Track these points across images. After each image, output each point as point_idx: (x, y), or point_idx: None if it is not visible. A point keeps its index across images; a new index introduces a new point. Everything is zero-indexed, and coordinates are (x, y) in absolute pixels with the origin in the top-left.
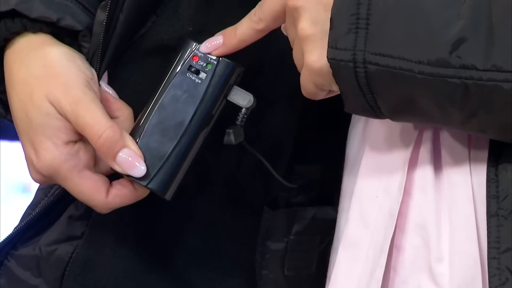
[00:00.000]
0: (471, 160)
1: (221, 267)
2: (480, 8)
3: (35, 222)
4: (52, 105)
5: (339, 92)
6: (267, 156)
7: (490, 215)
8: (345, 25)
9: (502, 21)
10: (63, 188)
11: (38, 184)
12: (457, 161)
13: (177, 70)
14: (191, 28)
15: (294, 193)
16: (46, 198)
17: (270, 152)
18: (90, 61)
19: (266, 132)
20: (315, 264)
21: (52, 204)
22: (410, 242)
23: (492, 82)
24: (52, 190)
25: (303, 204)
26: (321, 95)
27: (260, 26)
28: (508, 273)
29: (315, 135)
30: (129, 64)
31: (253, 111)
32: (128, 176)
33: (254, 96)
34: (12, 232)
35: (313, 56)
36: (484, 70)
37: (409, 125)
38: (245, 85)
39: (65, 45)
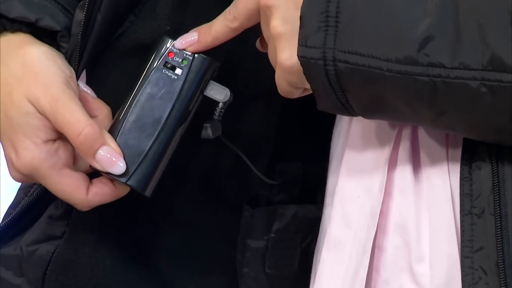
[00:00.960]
0: (449, 159)
1: (201, 265)
2: (447, 6)
3: (15, 222)
4: (32, 104)
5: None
6: (247, 154)
7: (463, 213)
8: (315, 23)
9: (469, 18)
10: (43, 188)
11: None
12: (435, 160)
13: (153, 67)
14: (169, 27)
15: (275, 191)
16: (26, 198)
17: (250, 149)
18: (69, 60)
19: (246, 130)
20: (297, 262)
21: (32, 204)
22: (391, 243)
23: (460, 80)
24: (32, 190)
25: (284, 202)
26: (296, 94)
27: (235, 24)
28: (481, 272)
29: (296, 132)
30: (107, 64)
31: (233, 109)
32: (108, 173)
33: (233, 92)
34: None
35: (284, 54)
36: (452, 68)
37: (388, 124)
38: (224, 83)
39: (45, 44)
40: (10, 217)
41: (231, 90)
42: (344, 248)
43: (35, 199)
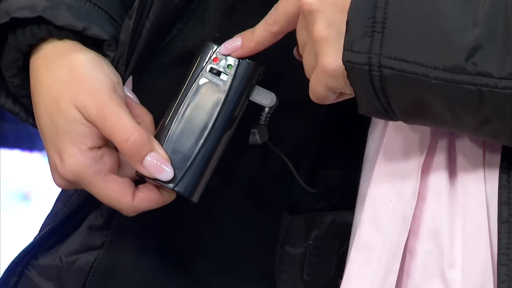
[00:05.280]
0: (485, 166)
1: (242, 273)
2: (497, 16)
3: (54, 232)
4: (79, 110)
5: (349, 96)
6: (290, 161)
7: (501, 221)
8: (361, 28)
9: None
10: (82, 197)
11: (39, 193)
12: (471, 166)
13: (199, 72)
14: (217, 34)
15: (317, 198)
16: (65, 208)
17: (293, 157)
18: (115, 66)
19: (289, 137)
20: (334, 268)
21: (71, 213)
22: (423, 247)
23: (508, 90)
24: (71, 200)
25: (325, 210)
26: (331, 99)
27: (275, 28)
28: None
29: (338, 140)
30: (154, 72)
31: (276, 116)
32: (155, 180)
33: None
34: (32, 241)
35: (328, 58)
36: (499, 78)
37: (423, 130)
38: (264, 87)
39: (92, 51)
40: (48, 227)
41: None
42: (373, 251)
43: (75, 209)
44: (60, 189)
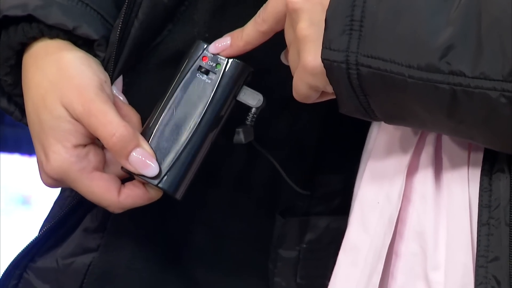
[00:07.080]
0: (469, 166)
1: (238, 275)
2: (470, 16)
3: (51, 234)
4: (65, 108)
5: (331, 96)
6: (285, 163)
7: (481, 223)
8: (339, 26)
9: (491, 30)
10: (76, 199)
11: (38, 197)
12: (456, 168)
13: (187, 71)
14: (207, 35)
15: (315, 202)
16: (61, 210)
17: (289, 158)
18: (105, 66)
19: (284, 138)
20: (330, 273)
21: (66, 215)
22: (409, 249)
23: (480, 90)
24: (67, 203)
25: (322, 214)
26: (313, 98)
27: (264, 27)
28: (494, 282)
29: (339, 144)
30: (145, 73)
31: (272, 116)
32: (140, 175)
33: (272, 101)
34: (28, 244)
35: (310, 56)
36: (472, 78)
37: (411, 131)
38: (264, 91)
39: (81, 50)
40: (44, 230)
41: (264, 96)
42: (360, 253)
43: (69, 211)
44: (58, 193)
